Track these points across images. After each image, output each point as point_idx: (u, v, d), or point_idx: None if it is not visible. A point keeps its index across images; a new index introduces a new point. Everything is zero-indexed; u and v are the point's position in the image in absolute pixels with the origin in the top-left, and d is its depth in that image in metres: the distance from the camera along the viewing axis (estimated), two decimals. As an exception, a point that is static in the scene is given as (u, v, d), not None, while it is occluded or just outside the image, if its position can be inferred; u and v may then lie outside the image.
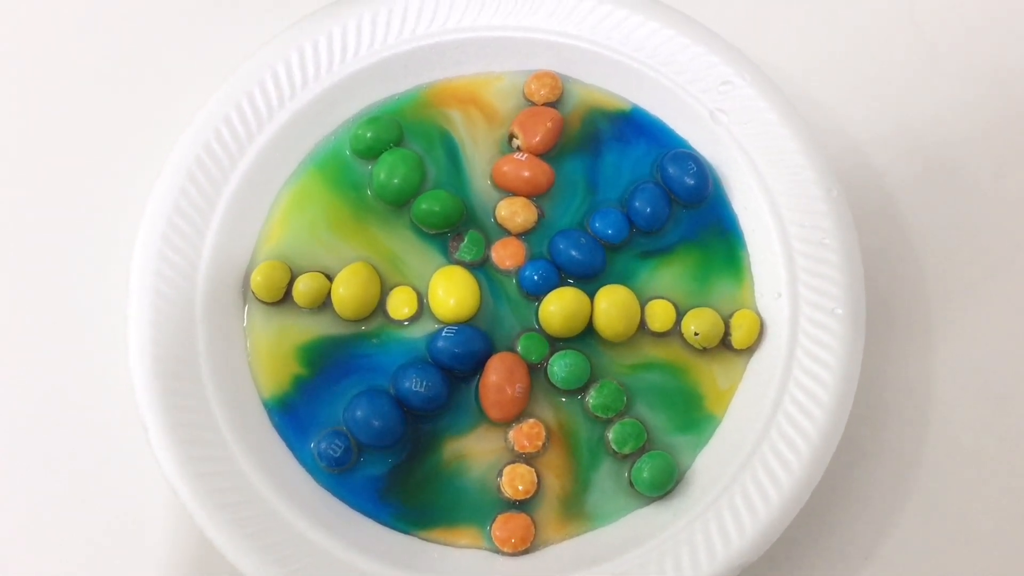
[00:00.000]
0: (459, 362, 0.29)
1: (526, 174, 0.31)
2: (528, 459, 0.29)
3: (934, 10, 0.36)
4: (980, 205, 0.33)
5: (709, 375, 0.30)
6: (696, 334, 0.29)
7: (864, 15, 0.36)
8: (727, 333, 0.30)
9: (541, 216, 0.31)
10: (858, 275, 0.29)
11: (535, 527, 0.28)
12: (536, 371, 0.29)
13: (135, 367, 0.28)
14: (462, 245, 0.31)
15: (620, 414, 0.29)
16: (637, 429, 0.29)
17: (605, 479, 0.29)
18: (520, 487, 0.28)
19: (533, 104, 0.32)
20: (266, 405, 0.29)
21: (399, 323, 0.30)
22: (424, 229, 0.31)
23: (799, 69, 0.33)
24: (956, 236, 0.33)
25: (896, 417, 0.31)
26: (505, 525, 0.28)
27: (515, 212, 0.31)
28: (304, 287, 0.30)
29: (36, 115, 0.35)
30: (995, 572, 0.30)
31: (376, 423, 0.28)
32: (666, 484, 0.28)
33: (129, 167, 0.32)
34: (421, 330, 0.30)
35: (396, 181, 0.31)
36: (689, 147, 0.32)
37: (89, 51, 0.36)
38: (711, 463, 0.29)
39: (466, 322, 0.30)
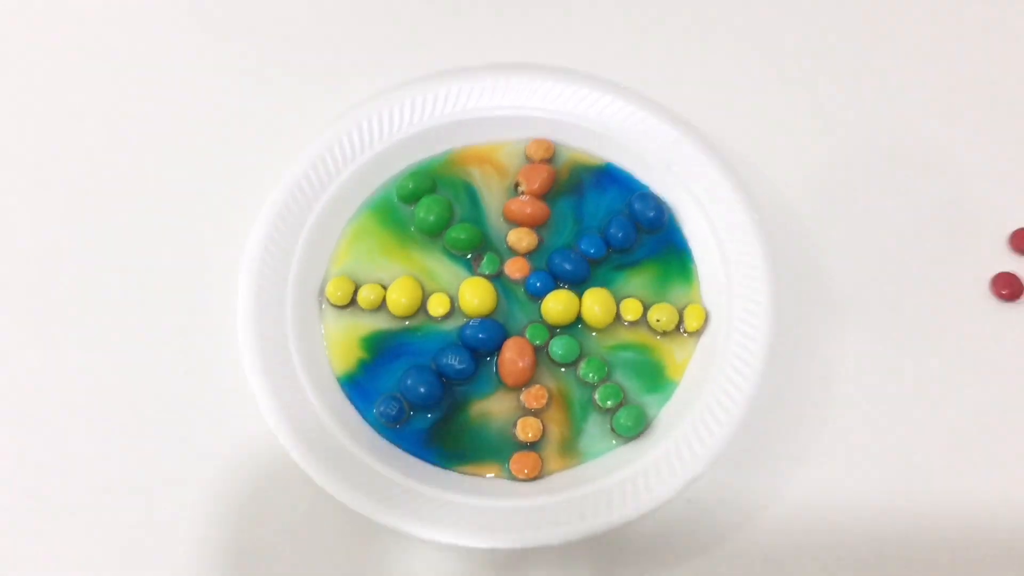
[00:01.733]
0: (483, 344, 0.39)
1: (529, 211, 0.42)
2: (536, 413, 0.39)
3: (831, 95, 0.48)
4: (869, 225, 0.44)
5: (669, 352, 0.40)
6: (658, 321, 0.40)
7: (776, 93, 0.47)
8: (681, 321, 0.40)
9: (541, 241, 0.42)
10: (775, 278, 0.39)
11: (542, 461, 0.38)
12: (540, 351, 0.39)
13: (244, 350, 0.38)
14: (482, 262, 0.41)
15: (603, 380, 0.39)
16: (616, 390, 0.39)
17: (593, 427, 0.38)
18: (530, 433, 0.38)
19: (532, 161, 0.43)
20: (339, 380, 0.39)
21: (436, 319, 0.40)
22: (454, 252, 0.41)
23: (730, 131, 0.45)
24: (851, 248, 0.43)
25: (804, 377, 0.41)
26: (520, 460, 0.37)
27: (521, 238, 0.41)
28: (365, 294, 0.40)
29: (176, 164, 0.46)
30: (889, 476, 0.39)
31: (422, 389, 0.38)
32: (638, 428, 0.38)
33: (239, 203, 0.43)
34: (453, 324, 0.40)
35: (432, 218, 0.41)
36: (649, 190, 0.43)
37: (208, 113, 0.47)
38: (671, 414, 0.38)
39: (487, 316, 0.40)
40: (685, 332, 0.40)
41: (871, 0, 0.50)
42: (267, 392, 0.37)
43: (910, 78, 0.48)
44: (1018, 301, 0.42)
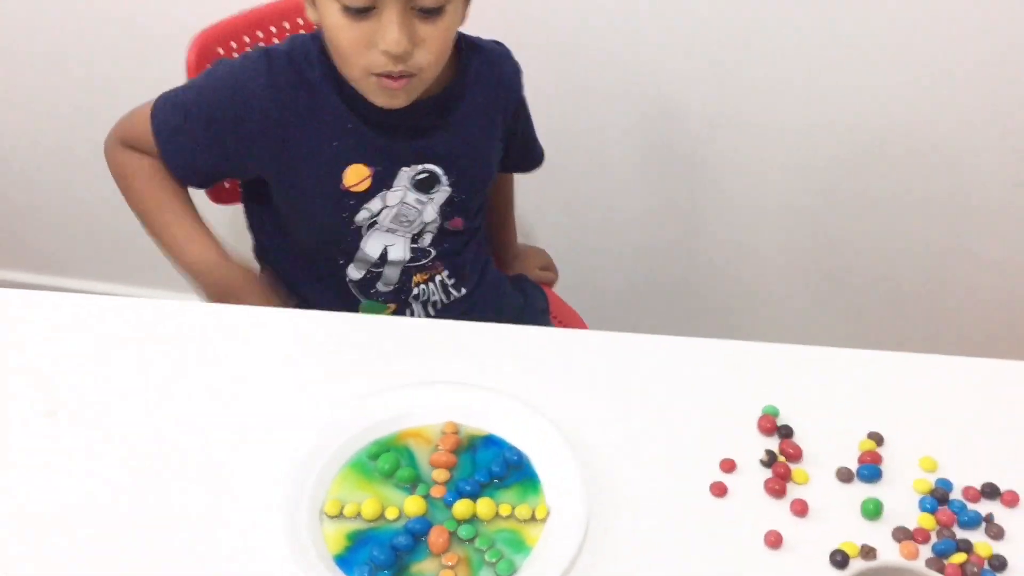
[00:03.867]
0: (420, 531, 0.67)
1: (444, 460, 0.72)
2: (451, 567, 0.66)
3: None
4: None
5: (527, 530, 0.68)
6: (520, 514, 0.69)
7: (584, 386, 0.80)
8: (534, 514, 0.69)
9: (451, 476, 0.71)
10: (586, 490, 0.69)
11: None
12: (452, 534, 0.68)
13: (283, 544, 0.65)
14: (417, 488, 0.70)
15: (489, 547, 0.67)
16: (497, 552, 0.66)
17: (485, 573, 0.66)
18: (447, 577, 0.65)
19: (446, 434, 0.75)
20: (334, 558, 0.66)
21: (391, 521, 0.68)
22: (400, 484, 0.71)
23: (569, 419, 0.77)
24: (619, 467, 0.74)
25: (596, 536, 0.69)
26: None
27: (440, 475, 0.71)
28: (349, 508, 0.69)
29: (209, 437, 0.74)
30: None
31: (383, 558, 0.65)
32: (511, 572, 0.65)
33: (260, 462, 0.72)
34: (400, 523, 0.68)
35: (387, 467, 0.71)
36: (513, 446, 0.74)
37: (217, 419, 0.77)
38: (530, 563, 0.66)
39: (421, 516, 0.68)
40: (536, 519, 0.69)
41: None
42: (299, 565, 0.64)
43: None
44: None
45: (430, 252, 1.02)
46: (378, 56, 0.84)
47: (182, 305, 0.87)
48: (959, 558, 0.67)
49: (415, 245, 1.01)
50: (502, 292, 1.14)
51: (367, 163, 0.94)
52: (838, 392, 0.81)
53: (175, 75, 1.02)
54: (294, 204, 0.98)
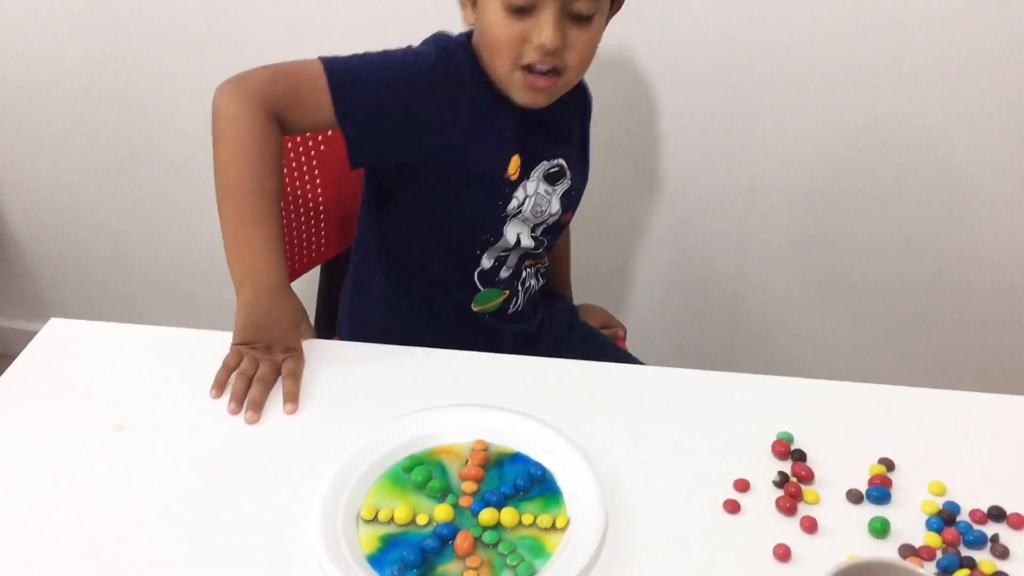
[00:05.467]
0: (448, 535, 0.72)
1: (473, 473, 0.78)
2: (475, 569, 0.70)
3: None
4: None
5: (548, 538, 0.73)
6: (543, 523, 0.73)
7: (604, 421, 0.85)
8: (555, 523, 0.74)
9: (479, 488, 0.77)
10: (603, 503, 0.74)
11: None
12: (477, 539, 0.72)
13: (318, 545, 0.71)
14: (448, 497, 0.76)
15: (511, 552, 0.71)
16: (519, 557, 0.71)
17: None
18: (471, 577, 0.70)
19: (475, 451, 0.80)
20: (367, 557, 0.71)
21: (422, 526, 0.74)
22: (432, 494, 0.76)
23: (592, 441, 0.82)
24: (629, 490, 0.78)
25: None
26: (465, 589, 0.69)
27: (469, 487, 0.77)
28: (384, 513, 0.74)
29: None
30: None
31: (413, 558, 0.70)
32: (532, 574, 0.70)
33: (303, 474, 0.78)
34: (429, 528, 0.73)
35: (420, 478, 0.77)
36: (541, 466, 0.79)
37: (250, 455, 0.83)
38: (550, 570, 0.70)
39: (449, 522, 0.74)
40: (556, 528, 0.74)
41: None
42: (333, 563, 0.70)
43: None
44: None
45: (544, 241, 1.11)
46: (531, 51, 0.94)
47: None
48: (963, 574, 0.69)
49: (534, 235, 1.09)
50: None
51: (520, 154, 1.02)
52: (852, 422, 0.84)
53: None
54: (456, 190, 1.03)
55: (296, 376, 0.88)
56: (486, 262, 1.08)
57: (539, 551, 0.72)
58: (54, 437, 0.82)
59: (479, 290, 1.10)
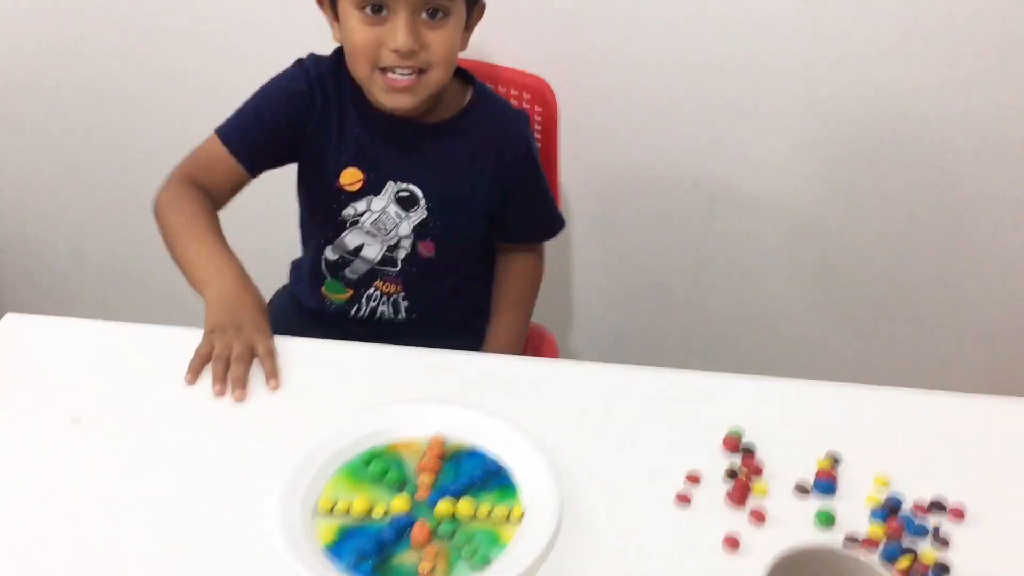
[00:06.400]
0: (405, 525, 0.73)
1: (430, 466, 0.79)
2: (430, 560, 0.71)
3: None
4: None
5: (503, 529, 0.74)
6: (498, 514, 0.74)
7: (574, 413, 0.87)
8: (510, 514, 0.75)
9: (436, 480, 0.78)
10: (558, 492, 0.75)
11: (432, 579, 0.70)
12: (433, 531, 0.73)
13: (278, 536, 0.71)
14: (405, 488, 0.77)
15: (467, 543, 0.72)
16: (474, 547, 0.72)
17: (461, 566, 0.71)
18: (427, 568, 0.70)
19: (434, 445, 0.81)
20: (325, 546, 0.72)
21: (378, 518, 0.75)
22: (390, 485, 0.77)
23: (547, 436, 0.83)
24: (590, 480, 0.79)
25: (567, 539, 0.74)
26: (420, 578, 0.70)
27: (425, 479, 0.77)
28: (341, 506, 0.75)
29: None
30: None
31: (370, 547, 0.71)
32: (486, 564, 0.71)
33: (262, 467, 0.78)
34: (387, 520, 0.74)
35: (377, 470, 0.78)
36: (497, 461, 0.80)
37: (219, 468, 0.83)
38: (504, 559, 0.71)
39: (406, 514, 0.74)
40: (511, 520, 0.75)
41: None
42: (292, 553, 0.70)
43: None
44: (697, 512, 0.78)
45: (396, 267, 1.14)
46: (387, 54, 0.97)
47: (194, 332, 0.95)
48: (905, 562, 0.72)
49: (389, 254, 1.13)
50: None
51: (361, 168, 1.08)
52: (800, 417, 0.87)
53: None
54: (305, 186, 1.15)
55: (272, 354, 0.91)
56: (330, 254, 1.15)
57: (494, 542, 0.73)
58: (11, 431, 0.82)
59: (326, 277, 1.17)
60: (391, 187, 1.09)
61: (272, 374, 0.89)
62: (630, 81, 1.40)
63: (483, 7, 1.07)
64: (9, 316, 0.96)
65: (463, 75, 1.12)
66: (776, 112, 1.39)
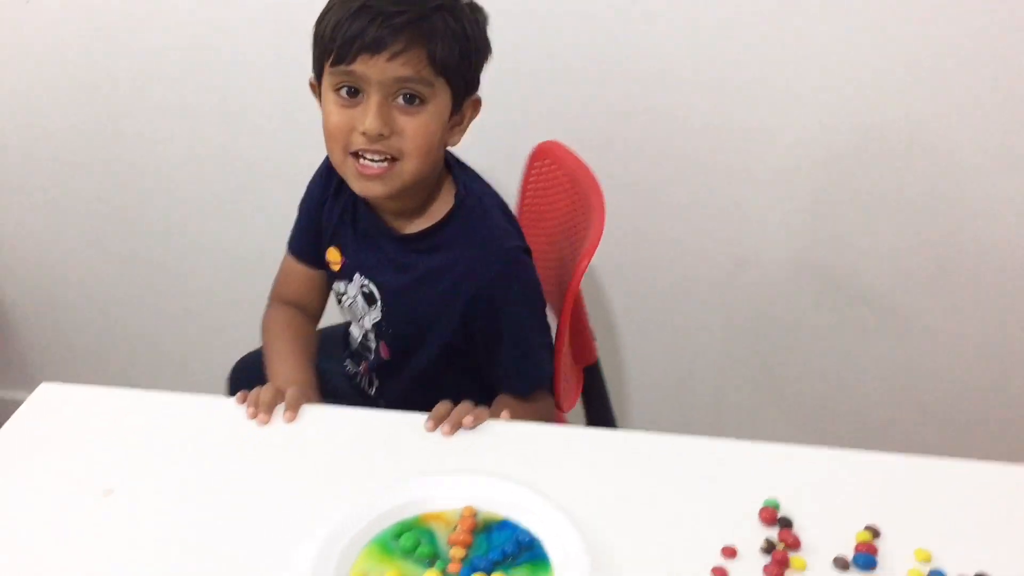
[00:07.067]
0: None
1: (462, 538, 0.78)
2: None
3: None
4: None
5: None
6: (530, 589, 0.73)
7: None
8: (544, 590, 0.74)
9: (467, 555, 0.77)
10: (590, 571, 0.74)
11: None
12: (466, 606, 0.72)
13: None
14: (436, 563, 0.76)
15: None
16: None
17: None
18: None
19: (464, 516, 0.80)
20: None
21: (410, 593, 0.74)
22: (420, 559, 0.76)
23: (579, 507, 0.82)
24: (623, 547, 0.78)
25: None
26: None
27: (457, 552, 0.76)
28: (371, 580, 0.74)
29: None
30: None
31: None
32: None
33: (292, 539, 0.78)
34: (419, 594, 0.73)
35: (409, 544, 0.77)
36: (529, 532, 0.79)
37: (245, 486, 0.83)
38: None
39: (437, 589, 0.73)
40: (547, 594, 0.74)
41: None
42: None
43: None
44: None
45: (369, 353, 1.16)
46: (358, 138, 0.96)
47: (226, 400, 0.95)
48: (950, 641, 0.70)
49: (365, 340, 1.15)
50: None
51: (342, 253, 1.12)
52: (838, 488, 0.85)
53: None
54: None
55: (298, 397, 0.95)
56: (354, 330, 1.17)
57: (533, 614, 0.72)
58: (43, 502, 0.82)
59: (348, 348, 1.21)
60: (358, 279, 1.10)
61: (291, 406, 0.93)
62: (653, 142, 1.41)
63: (478, 102, 1.03)
64: (44, 386, 0.97)
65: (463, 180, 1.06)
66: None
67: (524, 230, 1.12)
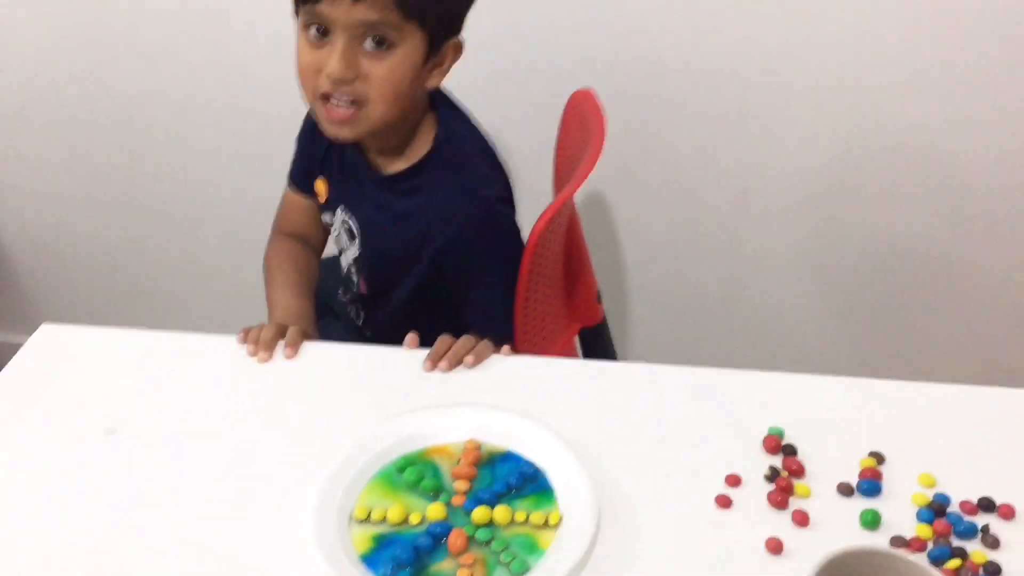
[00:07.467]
0: (441, 533, 0.72)
1: (465, 472, 0.78)
2: (469, 567, 0.70)
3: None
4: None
5: (541, 535, 0.73)
6: (535, 519, 0.73)
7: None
8: (547, 520, 0.74)
9: (471, 487, 0.77)
10: (596, 501, 0.74)
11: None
12: (470, 537, 0.73)
13: (313, 544, 0.71)
14: (440, 495, 0.76)
15: (504, 549, 0.71)
16: (512, 553, 0.71)
17: (499, 573, 0.70)
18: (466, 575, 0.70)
19: (468, 449, 0.80)
20: (360, 556, 0.71)
21: (415, 525, 0.74)
22: (425, 493, 0.76)
23: (583, 438, 0.82)
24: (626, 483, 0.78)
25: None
26: (458, 586, 0.69)
27: (461, 485, 0.77)
28: (376, 514, 0.74)
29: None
30: None
31: (407, 556, 0.71)
32: (524, 571, 0.70)
33: (296, 475, 0.78)
34: (423, 527, 0.73)
35: (412, 477, 0.77)
36: (533, 464, 0.79)
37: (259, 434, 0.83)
38: (542, 566, 0.70)
39: (442, 521, 0.74)
40: (549, 525, 0.74)
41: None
42: (327, 563, 0.70)
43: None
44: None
45: (352, 286, 1.16)
46: (324, 80, 0.94)
47: (227, 338, 0.95)
48: (954, 564, 0.70)
49: (348, 274, 1.15)
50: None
51: (328, 184, 1.12)
52: (842, 416, 0.85)
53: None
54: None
55: (299, 334, 0.95)
56: (342, 261, 1.16)
57: (532, 548, 0.72)
58: (46, 441, 0.82)
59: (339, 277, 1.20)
60: (340, 212, 1.11)
61: (290, 343, 0.93)
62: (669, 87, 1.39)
63: (459, 45, 1.00)
64: (44, 327, 0.96)
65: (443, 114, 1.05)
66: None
67: (560, 179, 1.10)
